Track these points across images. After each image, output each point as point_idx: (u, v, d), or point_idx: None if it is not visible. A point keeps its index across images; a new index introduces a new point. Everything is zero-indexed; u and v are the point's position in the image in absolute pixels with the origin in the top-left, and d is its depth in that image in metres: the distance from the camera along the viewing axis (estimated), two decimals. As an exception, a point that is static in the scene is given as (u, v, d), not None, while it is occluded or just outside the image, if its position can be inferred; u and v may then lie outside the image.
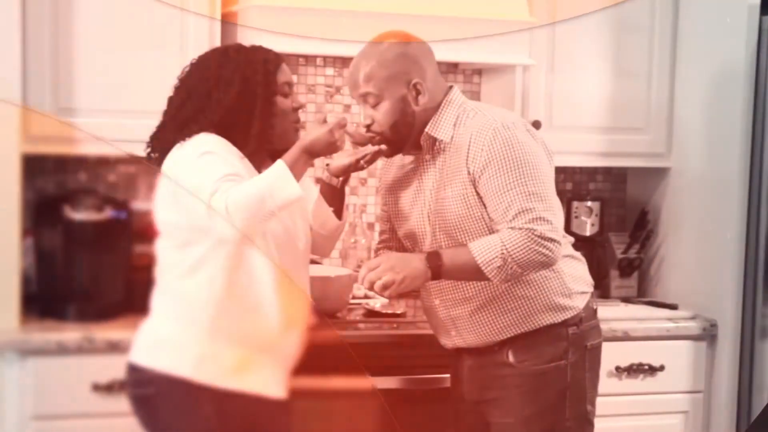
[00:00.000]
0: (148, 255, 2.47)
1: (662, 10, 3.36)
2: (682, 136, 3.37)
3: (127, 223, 2.94)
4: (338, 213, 2.54)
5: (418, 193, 2.49)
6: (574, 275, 2.49)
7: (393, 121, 2.41)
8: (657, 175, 3.48)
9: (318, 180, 2.56)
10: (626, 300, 3.44)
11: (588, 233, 3.43)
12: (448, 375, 2.69)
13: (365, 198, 3.45)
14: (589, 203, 3.47)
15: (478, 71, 3.49)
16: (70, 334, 2.70)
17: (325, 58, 3.37)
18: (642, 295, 3.50)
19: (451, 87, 2.49)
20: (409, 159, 2.53)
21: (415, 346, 2.84)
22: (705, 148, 3.29)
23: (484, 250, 2.29)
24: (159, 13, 2.91)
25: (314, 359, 2.70)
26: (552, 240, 2.29)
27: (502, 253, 2.28)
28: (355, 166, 2.49)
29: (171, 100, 2.42)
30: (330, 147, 2.35)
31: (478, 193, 2.37)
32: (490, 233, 2.36)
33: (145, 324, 2.40)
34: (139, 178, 3.20)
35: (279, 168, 2.27)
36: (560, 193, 2.54)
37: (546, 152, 2.45)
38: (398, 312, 3.02)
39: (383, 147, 2.44)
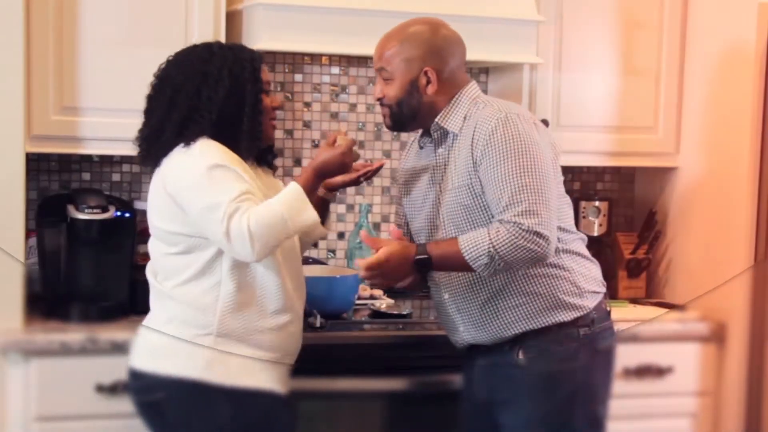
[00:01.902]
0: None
1: (671, 8, 3.34)
2: (690, 136, 3.35)
3: (132, 223, 2.93)
4: (323, 222, 2.55)
5: (430, 187, 2.51)
6: (585, 275, 2.48)
7: (399, 98, 2.46)
8: (665, 174, 3.46)
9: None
10: (634, 301, 3.42)
11: (596, 233, 3.41)
12: (454, 376, 2.67)
13: (371, 198, 3.44)
14: (596, 203, 3.45)
15: (485, 70, 3.47)
16: (74, 334, 2.69)
17: (330, 56, 3.36)
18: (650, 296, 3.48)
19: (470, 82, 2.50)
20: (423, 153, 2.55)
21: (420, 347, 2.82)
22: (713, 148, 3.26)
23: (472, 247, 2.30)
24: (164, 12, 2.89)
25: (319, 359, 2.70)
26: (539, 234, 2.27)
27: (489, 251, 2.28)
28: (356, 182, 2.57)
29: (153, 98, 2.42)
30: (342, 169, 2.44)
31: (482, 184, 2.38)
32: None
33: (149, 331, 2.39)
34: (143, 178, 3.19)
35: (296, 192, 2.32)
36: (567, 192, 2.53)
37: (552, 148, 2.45)
38: (404, 313, 3.00)
39: (384, 162, 2.59)
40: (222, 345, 2.34)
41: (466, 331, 2.49)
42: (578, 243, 2.50)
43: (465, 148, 2.41)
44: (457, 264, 2.33)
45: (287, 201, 2.30)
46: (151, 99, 2.43)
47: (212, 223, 2.26)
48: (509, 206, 2.29)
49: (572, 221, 2.52)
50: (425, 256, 2.34)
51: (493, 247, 2.27)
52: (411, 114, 2.47)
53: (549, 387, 2.42)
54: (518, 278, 2.41)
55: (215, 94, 2.36)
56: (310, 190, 2.36)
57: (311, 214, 2.32)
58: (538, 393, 2.42)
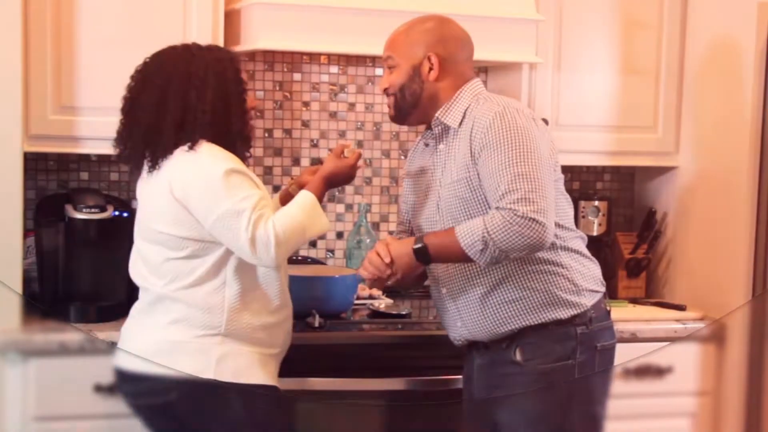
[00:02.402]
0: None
1: (671, 8, 3.33)
2: (690, 135, 3.34)
3: (130, 222, 2.92)
4: None
5: (432, 183, 2.53)
6: (583, 273, 2.47)
7: (402, 84, 2.48)
8: (665, 174, 3.45)
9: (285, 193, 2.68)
10: (634, 301, 3.41)
11: (595, 233, 3.41)
12: (452, 376, 2.67)
13: (370, 198, 3.43)
14: (596, 203, 3.45)
15: (485, 69, 3.47)
16: (72, 334, 2.68)
17: (329, 55, 3.35)
18: (650, 295, 3.47)
19: (474, 78, 2.52)
20: (427, 151, 2.56)
21: (419, 347, 2.82)
22: (713, 148, 3.26)
23: (467, 234, 2.31)
24: (162, 12, 2.89)
25: (318, 359, 2.69)
26: (534, 220, 2.27)
27: (483, 237, 2.28)
28: None
29: (136, 99, 2.40)
30: (349, 179, 2.55)
31: (480, 176, 2.39)
32: None
33: (152, 334, 2.39)
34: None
35: (312, 200, 2.40)
36: (567, 192, 2.53)
37: (551, 146, 2.45)
38: (403, 312, 3.00)
39: (363, 165, 2.65)
40: (228, 344, 2.36)
41: (463, 327, 2.49)
42: (578, 241, 2.50)
43: (463, 142, 2.42)
44: (454, 252, 2.34)
45: (305, 210, 2.37)
46: (133, 100, 2.41)
47: (235, 230, 2.28)
48: (505, 194, 2.30)
49: (572, 219, 2.52)
50: (421, 245, 2.36)
51: (488, 232, 2.28)
52: (413, 101, 2.48)
53: (546, 385, 2.41)
54: (515, 273, 2.41)
55: (203, 95, 2.36)
56: (319, 198, 2.44)
57: (325, 223, 2.41)
58: (535, 391, 2.41)
